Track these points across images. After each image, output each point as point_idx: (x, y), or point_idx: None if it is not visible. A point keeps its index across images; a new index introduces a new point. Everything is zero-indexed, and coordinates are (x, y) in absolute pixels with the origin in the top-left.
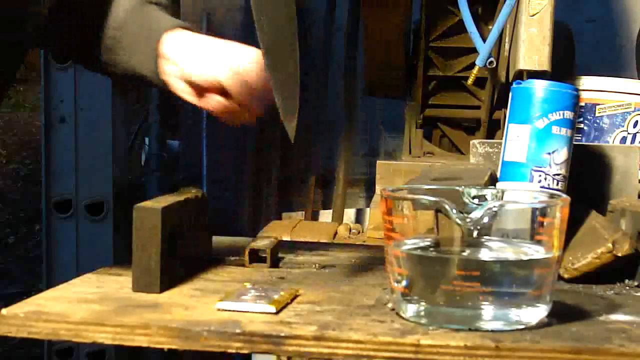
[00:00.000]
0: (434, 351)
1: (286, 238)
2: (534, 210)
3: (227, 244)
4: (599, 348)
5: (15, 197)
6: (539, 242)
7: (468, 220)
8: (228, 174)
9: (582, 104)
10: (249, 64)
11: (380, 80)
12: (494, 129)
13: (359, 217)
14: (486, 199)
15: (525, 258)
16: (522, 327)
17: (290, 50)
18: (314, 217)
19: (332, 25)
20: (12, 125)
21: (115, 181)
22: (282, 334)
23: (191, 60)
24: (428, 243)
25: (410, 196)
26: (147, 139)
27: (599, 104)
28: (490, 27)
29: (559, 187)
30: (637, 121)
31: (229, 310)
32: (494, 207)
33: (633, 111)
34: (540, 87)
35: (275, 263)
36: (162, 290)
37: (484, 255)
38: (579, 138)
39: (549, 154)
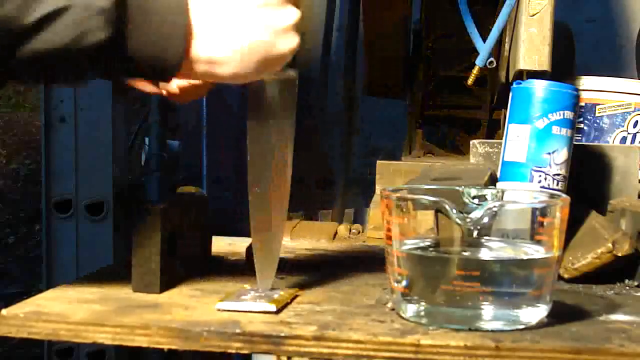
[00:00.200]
0: (434, 351)
1: (286, 238)
2: (534, 210)
3: (227, 244)
4: (599, 348)
5: (15, 197)
6: (539, 242)
7: (468, 220)
8: (228, 174)
9: (582, 104)
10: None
11: (380, 80)
12: (494, 129)
13: (359, 217)
14: (486, 199)
15: (525, 258)
16: (522, 327)
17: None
18: (314, 217)
19: (332, 25)
20: (12, 125)
21: (115, 181)
22: (282, 334)
23: None
24: (428, 243)
25: (410, 196)
26: (147, 139)
27: (599, 104)
28: (490, 27)
29: (559, 187)
30: (637, 121)
31: (229, 311)
32: (494, 207)
33: (633, 111)
34: (540, 87)
35: None
36: (162, 291)
37: (484, 255)
38: (579, 138)
39: (549, 154)
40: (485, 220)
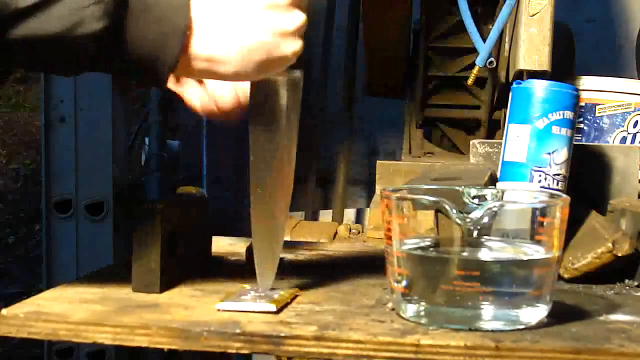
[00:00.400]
0: (434, 351)
1: (286, 238)
2: (534, 210)
3: (227, 244)
4: (599, 348)
5: (15, 197)
6: (539, 242)
7: (468, 220)
8: (228, 174)
9: (582, 104)
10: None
11: (381, 80)
12: (494, 129)
13: (359, 217)
14: (486, 199)
15: (525, 258)
16: (522, 327)
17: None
18: (314, 217)
19: (332, 25)
20: (12, 125)
21: (115, 181)
22: (282, 334)
23: None
24: (428, 243)
25: (410, 196)
26: (147, 139)
27: (599, 104)
28: (490, 27)
29: (559, 187)
30: (637, 121)
31: (229, 311)
32: (494, 207)
33: (633, 111)
34: (540, 87)
35: None
36: (162, 291)
37: (484, 255)
38: (579, 138)
39: (549, 154)
40: (485, 220)
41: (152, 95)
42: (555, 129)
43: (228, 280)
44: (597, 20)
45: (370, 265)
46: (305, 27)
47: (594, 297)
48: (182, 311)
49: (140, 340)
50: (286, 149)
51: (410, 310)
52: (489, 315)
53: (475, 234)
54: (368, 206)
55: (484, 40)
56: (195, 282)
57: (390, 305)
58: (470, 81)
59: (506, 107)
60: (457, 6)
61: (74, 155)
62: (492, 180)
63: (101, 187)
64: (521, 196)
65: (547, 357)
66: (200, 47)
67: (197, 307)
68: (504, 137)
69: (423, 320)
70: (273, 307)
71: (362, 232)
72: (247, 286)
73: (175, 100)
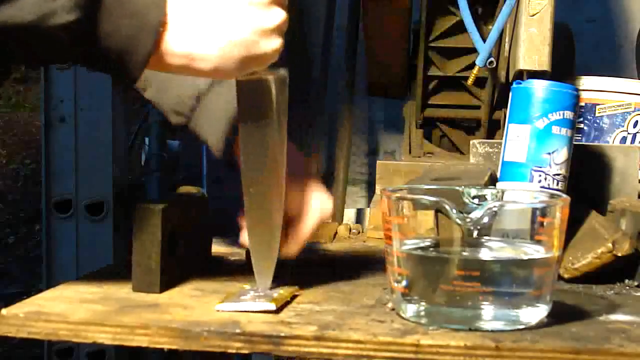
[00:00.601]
0: (434, 351)
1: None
2: (534, 210)
3: (227, 244)
4: (599, 348)
5: (15, 197)
6: (539, 242)
7: (468, 220)
8: (228, 174)
9: (582, 104)
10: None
11: (381, 80)
12: (494, 129)
13: (359, 217)
14: (486, 199)
15: (525, 258)
16: (522, 327)
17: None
18: None
19: (332, 25)
20: (12, 125)
21: (115, 181)
22: (282, 334)
23: None
24: (428, 243)
25: (410, 196)
26: (147, 139)
27: (599, 104)
28: (490, 27)
29: (559, 187)
30: (637, 121)
31: (229, 311)
32: (494, 207)
33: (633, 111)
34: (540, 87)
35: None
36: (162, 290)
37: (484, 255)
38: (579, 138)
39: (549, 154)
40: (485, 220)
41: None
42: (555, 129)
43: (228, 280)
44: (597, 20)
45: (370, 265)
46: (286, 24)
47: (594, 297)
48: (182, 311)
49: (140, 340)
50: (277, 147)
51: (410, 310)
52: (489, 315)
53: (475, 234)
54: (368, 206)
55: (484, 40)
56: (195, 282)
57: (390, 305)
58: (470, 81)
59: (506, 107)
60: (457, 6)
61: (74, 155)
62: (492, 180)
63: (101, 187)
64: (521, 196)
65: (547, 357)
66: (177, 44)
67: (197, 307)
68: (504, 137)
69: (423, 320)
70: (272, 306)
71: (362, 232)
72: (246, 286)
73: None
